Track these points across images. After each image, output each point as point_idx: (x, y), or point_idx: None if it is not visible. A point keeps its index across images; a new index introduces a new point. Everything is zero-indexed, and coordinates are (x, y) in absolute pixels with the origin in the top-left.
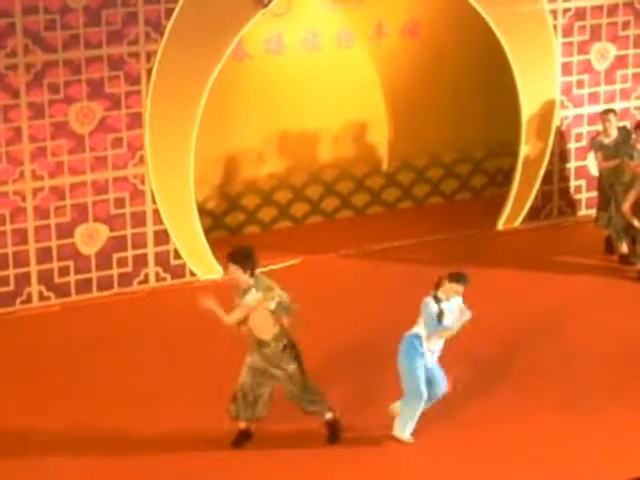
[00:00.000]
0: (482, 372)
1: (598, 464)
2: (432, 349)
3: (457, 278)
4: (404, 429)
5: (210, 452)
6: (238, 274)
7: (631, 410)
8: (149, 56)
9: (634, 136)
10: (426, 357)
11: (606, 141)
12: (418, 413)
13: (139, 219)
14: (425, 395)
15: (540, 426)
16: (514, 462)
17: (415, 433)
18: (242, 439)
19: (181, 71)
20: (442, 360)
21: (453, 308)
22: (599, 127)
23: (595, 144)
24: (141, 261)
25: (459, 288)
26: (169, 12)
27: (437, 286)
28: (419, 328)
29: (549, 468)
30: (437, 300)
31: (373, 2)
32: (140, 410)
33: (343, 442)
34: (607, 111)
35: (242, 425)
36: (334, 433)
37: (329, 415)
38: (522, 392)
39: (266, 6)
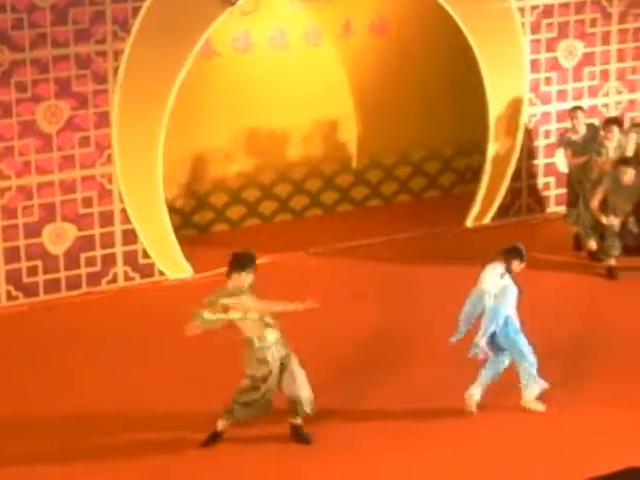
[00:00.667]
0: (455, 369)
1: (571, 458)
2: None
3: (522, 255)
4: (533, 394)
5: (185, 451)
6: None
7: (601, 405)
8: (116, 55)
9: (602, 133)
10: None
11: (574, 138)
12: (535, 373)
13: (107, 218)
14: (532, 354)
15: (509, 423)
16: (491, 457)
17: (399, 432)
18: (214, 439)
19: (149, 70)
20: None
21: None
22: (567, 124)
23: (564, 141)
24: (109, 260)
25: (523, 264)
26: (136, 10)
27: (510, 267)
28: (505, 310)
29: (525, 462)
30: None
31: (341, 0)
32: (110, 410)
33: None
34: (575, 108)
35: (220, 426)
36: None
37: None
38: (491, 389)
39: (234, 4)
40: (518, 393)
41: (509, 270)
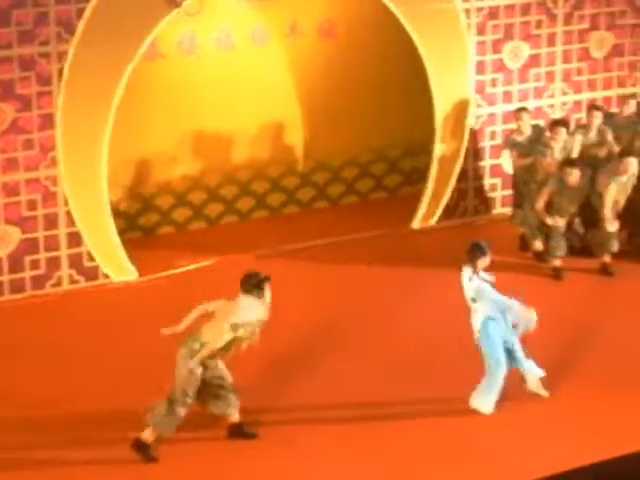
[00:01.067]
0: (402, 369)
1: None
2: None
3: (483, 250)
4: (487, 402)
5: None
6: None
7: (557, 403)
8: (60, 56)
9: (547, 134)
10: (504, 328)
11: (520, 139)
12: (500, 384)
13: (52, 221)
14: (504, 366)
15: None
16: (430, 456)
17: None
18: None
19: (93, 71)
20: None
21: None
22: (513, 125)
23: (509, 142)
24: (54, 264)
25: (488, 258)
26: (80, 12)
27: (474, 267)
28: (485, 312)
29: (447, 465)
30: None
31: (287, 1)
32: (56, 413)
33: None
34: (520, 109)
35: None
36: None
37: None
38: (438, 390)
39: (179, 5)
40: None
41: (476, 270)
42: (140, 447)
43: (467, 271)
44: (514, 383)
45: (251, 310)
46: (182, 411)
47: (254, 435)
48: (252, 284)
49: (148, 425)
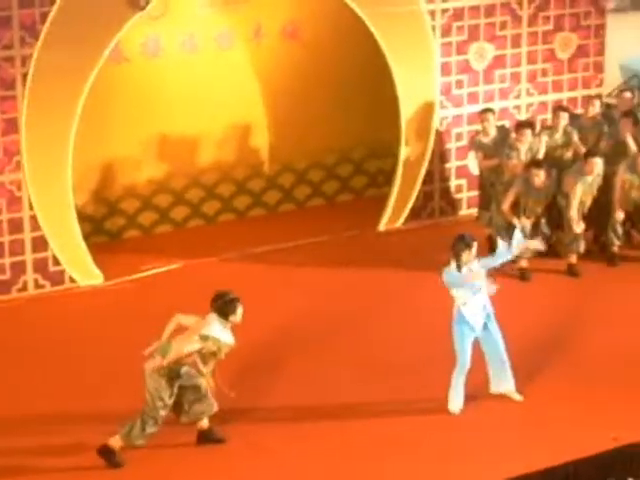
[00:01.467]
0: (372, 370)
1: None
2: (474, 309)
3: (467, 242)
4: (452, 401)
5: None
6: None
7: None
8: (24, 60)
9: (513, 135)
10: (472, 324)
11: (485, 140)
12: (461, 384)
13: (16, 226)
14: (467, 366)
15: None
16: (404, 457)
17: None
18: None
19: (57, 75)
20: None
21: (477, 268)
22: (479, 127)
23: (475, 143)
24: (19, 268)
25: (474, 250)
26: (44, 16)
27: (459, 262)
28: (457, 301)
29: (414, 465)
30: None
31: (252, 4)
32: (24, 416)
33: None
34: (485, 110)
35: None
36: None
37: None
38: (399, 392)
39: (143, 9)
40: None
41: (460, 265)
42: (106, 453)
43: (452, 265)
44: (484, 383)
45: (220, 332)
46: (155, 425)
47: (222, 440)
48: (221, 304)
49: (118, 434)
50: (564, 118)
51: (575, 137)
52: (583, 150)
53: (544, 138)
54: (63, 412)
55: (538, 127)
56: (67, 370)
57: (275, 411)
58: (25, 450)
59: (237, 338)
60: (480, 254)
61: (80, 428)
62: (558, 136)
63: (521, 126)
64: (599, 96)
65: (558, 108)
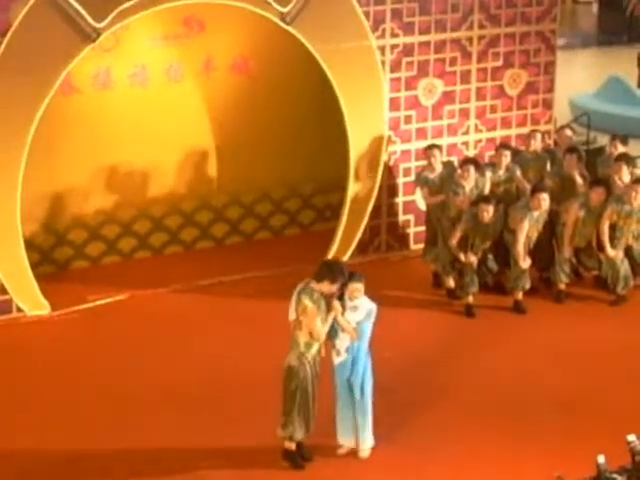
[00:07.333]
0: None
1: None
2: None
3: (353, 276)
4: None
5: None
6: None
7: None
8: None
9: (459, 171)
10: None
11: (431, 176)
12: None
13: None
14: (340, 402)
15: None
16: None
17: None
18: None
19: (7, 105)
20: None
21: (359, 306)
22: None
23: (420, 179)
24: None
25: (359, 285)
26: None
27: (340, 293)
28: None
29: None
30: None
31: (202, 37)
32: None
33: None
34: (431, 146)
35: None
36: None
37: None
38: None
39: (94, 41)
40: None
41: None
42: (288, 456)
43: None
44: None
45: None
46: (302, 414)
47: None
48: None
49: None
50: (507, 156)
51: (518, 173)
52: (526, 186)
53: (489, 174)
54: (6, 444)
55: (483, 164)
56: (12, 400)
57: (212, 446)
58: None
59: (183, 369)
60: (425, 289)
61: (24, 459)
62: (501, 172)
63: (465, 164)
64: (537, 130)
65: (501, 146)
